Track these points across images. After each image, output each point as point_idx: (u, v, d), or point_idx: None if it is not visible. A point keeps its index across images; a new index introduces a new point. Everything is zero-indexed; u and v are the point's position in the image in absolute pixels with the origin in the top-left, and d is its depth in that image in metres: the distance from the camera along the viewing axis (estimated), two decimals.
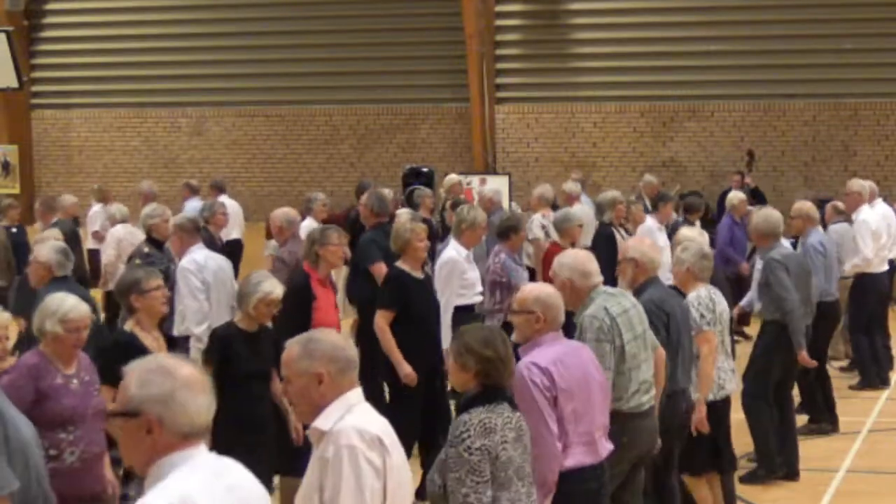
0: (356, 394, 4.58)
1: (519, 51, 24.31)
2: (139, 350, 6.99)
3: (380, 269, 11.38)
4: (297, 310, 8.80)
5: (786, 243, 11.34)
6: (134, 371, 3.68)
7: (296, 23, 24.66)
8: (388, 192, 15.38)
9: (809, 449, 11.02)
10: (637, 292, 7.71)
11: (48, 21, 25.99)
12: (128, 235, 14.68)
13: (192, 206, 18.07)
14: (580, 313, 7.01)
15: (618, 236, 12.92)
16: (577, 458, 6.21)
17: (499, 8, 23.94)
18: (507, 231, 11.43)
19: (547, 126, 23.83)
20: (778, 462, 10.25)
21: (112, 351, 7.24)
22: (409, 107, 24.43)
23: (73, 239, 14.61)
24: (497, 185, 18.92)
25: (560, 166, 23.20)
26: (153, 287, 7.39)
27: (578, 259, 7.14)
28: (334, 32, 24.48)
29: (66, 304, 6.79)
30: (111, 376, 6.96)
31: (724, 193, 18.93)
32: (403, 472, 4.62)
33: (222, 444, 7.56)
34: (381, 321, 9.35)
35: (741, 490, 10.03)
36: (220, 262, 10.56)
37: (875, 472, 10.79)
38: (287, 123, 25.05)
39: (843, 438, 11.79)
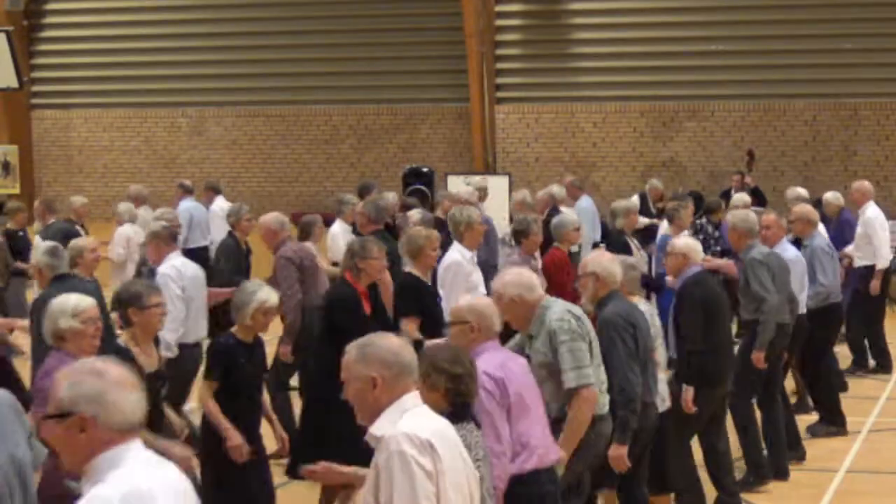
0: (412, 398, 4.62)
1: (519, 51, 24.32)
2: (130, 365, 6.97)
3: None
4: (344, 321, 8.62)
5: (788, 244, 11.33)
6: (64, 374, 3.79)
7: (296, 23, 24.67)
8: (391, 196, 15.39)
9: (809, 449, 11.02)
10: (599, 306, 7.71)
11: (48, 21, 25.99)
12: (136, 235, 14.72)
13: (186, 206, 17.94)
14: (535, 325, 6.97)
15: (632, 245, 12.92)
16: (532, 461, 6.24)
17: (499, 8, 23.94)
18: (519, 234, 11.51)
19: (547, 126, 23.83)
20: (768, 467, 10.21)
21: None
22: (409, 107, 24.44)
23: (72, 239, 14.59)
24: (490, 184, 18.92)
25: (560, 166, 23.20)
26: (153, 304, 7.34)
27: (522, 275, 7.16)
28: (334, 32, 24.49)
29: (72, 300, 6.82)
30: None
31: (724, 193, 18.94)
32: (458, 474, 4.61)
33: (227, 454, 7.58)
34: (412, 329, 9.09)
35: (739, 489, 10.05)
36: (196, 269, 10.53)
37: (875, 472, 10.80)
38: (287, 123, 25.05)
39: (843, 438, 11.80)
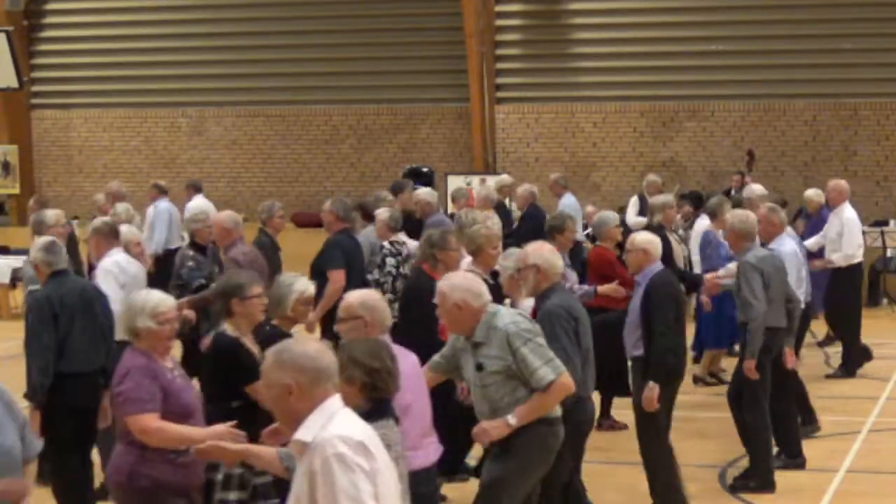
0: (336, 401, 4.56)
1: (519, 51, 24.32)
2: (247, 353, 7.09)
3: (339, 277, 11.40)
4: (423, 313, 8.53)
5: (786, 238, 11.25)
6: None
7: (296, 23, 24.67)
8: (426, 191, 15.36)
9: (809, 449, 11.02)
10: (541, 298, 7.63)
11: (48, 21, 25.99)
12: (131, 237, 14.44)
13: (164, 207, 17.71)
14: (481, 331, 6.88)
15: (672, 239, 12.94)
16: (417, 461, 6.21)
17: (499, 8, 23.95)
18: (552, 231, 11.32)
19: (547, 126, 23.83)
20: (774, 474, 10.17)
21: (221, 356, 7.25)
22: (409, 107, 24.44)
23: (69, 241, 14.51)
24: (490, 184, 18.92)
25: (560, 166, 23.20)
26: (255, 294, 7.39)
27: (469, 280, 7.05)
28: (334, 32, 24.49)
29: (153, 299, 6.79)
30: (223, 380, 7.09)
31: (725, 193, 18.90)
32: (390, 475, 4.60)
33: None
34: None
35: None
36: (137, 268, 10.39)
37: (875, 472, 10.79)
38: (287, 123, 25.05)
39: (843, 438, 11.80)
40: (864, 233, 20.85)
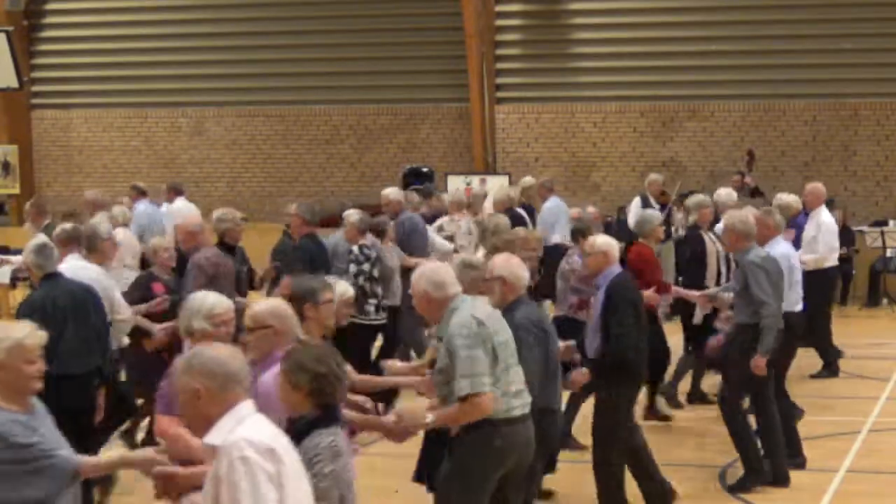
0: (247, 406, 4.58)
1: (519, 51, 24.32)
2: None
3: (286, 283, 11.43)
4: None
5: (780, 240, 11.23)
6: None
7: (296, 23, 24.68)
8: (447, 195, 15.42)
9: (809, 449, 11.01)
10: (507, 311, 7.52)
11: (48, 21, 26.00)
12: (127, 241, 14.10)
13: (143, 209, 17.22)
14: (443, 325, 6.85)
15: (706, 238, 12.96)
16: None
17: (499, 8, 23.95)
18: (576, 234, 11.67)
19: (547, 126, 23.84)
20: (765, 468, 10.15)
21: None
22: (409, 107, 24.44)
23: None
24: (489, 185, 18.96)
25: (560, 166, 23.20)
26: (327, 299, 7.39)
27: (434, 271, 7.01)
28: (334, 32, 24.50)
29: (209, 301, 6.75)
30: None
31: None
32: (300, 480, 4.59)
33: None
34: None
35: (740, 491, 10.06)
36: (97, 272, 10.20)
37: (875, 472, 10.79)
38: (287, 123, 25.06)
39: (843, 438, 11.79)
40: (863, 233, 21.03)
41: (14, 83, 23.51)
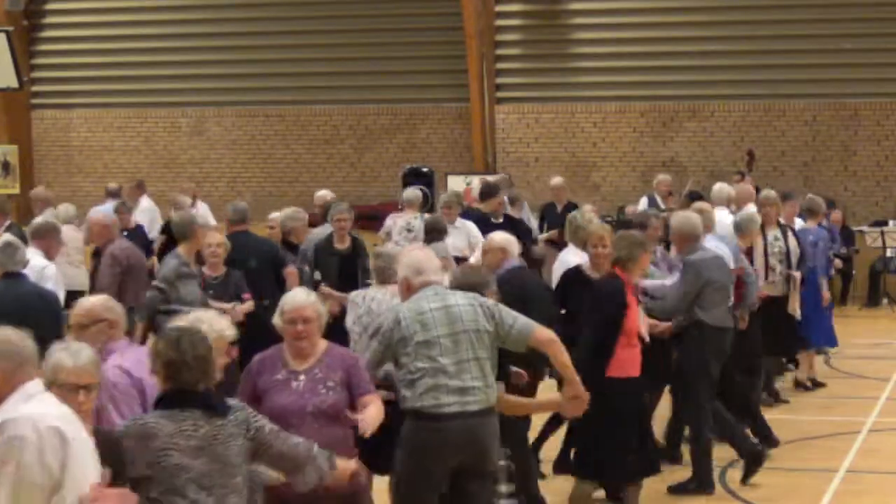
0: (35, 385, 4.65)
1: (519, 51, 24.32)
2: None
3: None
4: (613, 315, 8.51)
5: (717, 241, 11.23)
6: None
7: (296, 23, 24.67)
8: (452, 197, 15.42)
9: (810, 449, 11.03)
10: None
11: (48, 21, 25.99)
12: (70, 239, 13.49)
13: (105, 209, 16.79)
14: None
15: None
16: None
17: (499, 8, 23.95)
18: (635, 227, 11.55)
19: (547, 126, 23.83)
20: (712, 479, 10.03)
21: None
22: (409, 107, 24.44)
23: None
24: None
25: (560, 166, 23.20)
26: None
27: (415, 257, 7.17)
28: (334, 32, 24.49)
29: (287, 298, 6.72)
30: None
31: None
32: (87, 460, 4.63)
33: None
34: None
35: (739, 489, 10.05)
36: (52, 270, 10.22)
37: (875, 472, 10.79)
38: (287, 123, 25.06)
39: (843, 438, 11.80)
40: (863, 233, 21.03)
41: (14, 83, 23.49)
